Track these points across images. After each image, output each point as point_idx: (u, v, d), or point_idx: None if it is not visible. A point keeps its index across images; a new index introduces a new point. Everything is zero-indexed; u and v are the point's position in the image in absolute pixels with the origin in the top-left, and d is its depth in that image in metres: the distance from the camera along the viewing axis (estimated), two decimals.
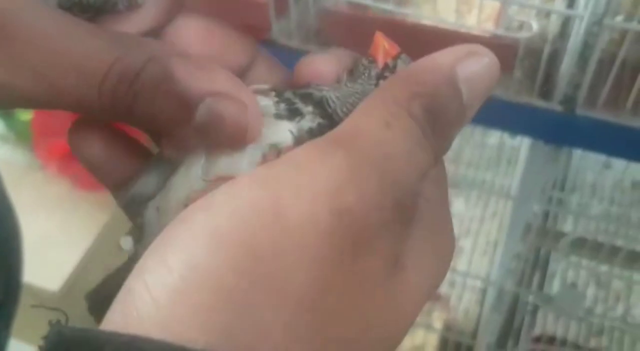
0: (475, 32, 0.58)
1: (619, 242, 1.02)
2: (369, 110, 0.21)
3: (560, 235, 0.84)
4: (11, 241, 0.49)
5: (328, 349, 0.18)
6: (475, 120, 0.70)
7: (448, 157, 1.17)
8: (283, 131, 0.23)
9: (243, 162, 0.22)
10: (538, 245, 0.95)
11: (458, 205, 1.26)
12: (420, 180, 0.21)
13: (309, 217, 0.18)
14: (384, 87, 0.22)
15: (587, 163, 1.19)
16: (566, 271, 1.12)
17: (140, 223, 0.24)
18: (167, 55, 0.22)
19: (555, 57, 0.61)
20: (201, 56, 0.24)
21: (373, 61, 0.24)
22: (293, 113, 0.23)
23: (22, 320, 0.51)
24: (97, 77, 0.21)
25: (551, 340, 1.00)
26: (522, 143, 1.10)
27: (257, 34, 0.65)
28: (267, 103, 0.24)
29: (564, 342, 1.01)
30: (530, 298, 0.99)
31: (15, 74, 0.21)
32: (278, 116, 0.23)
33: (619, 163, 1.19)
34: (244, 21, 0.65)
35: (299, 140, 0.22)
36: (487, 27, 0.60)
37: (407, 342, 1.04)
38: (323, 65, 0.25)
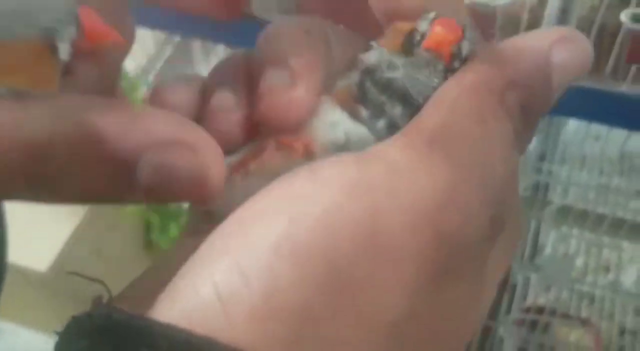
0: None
1: (607, 211, 1.03)
2: (459, 100, 0.18)
3: (546, 203, 0.84)
4: None
5: None
6: None
7: None
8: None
9: None
10: (527, 216, 0.96)
11: None
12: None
13: (410, 236, 0.16)
14: (472, 71, 0.19)
15: (576, 136, 1.19)
16: (557, 242, 1.13)
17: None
18: (80, 107, 0.17)
19: (534, 25, 0.61)
20: (121, 98, 0.20)
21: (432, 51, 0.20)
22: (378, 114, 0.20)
23: (11, 301, 0.51)
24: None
25: (541, 310, 1.01)
26: None
27: (236, 6, 0.64)
28: (361, 129, 0.20)
29: (553, 312, 1.02)
30: (520, 269, 0.99)
31: None
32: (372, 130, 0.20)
33: (608, 135, 1.19)
34: None
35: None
36: None
37: None
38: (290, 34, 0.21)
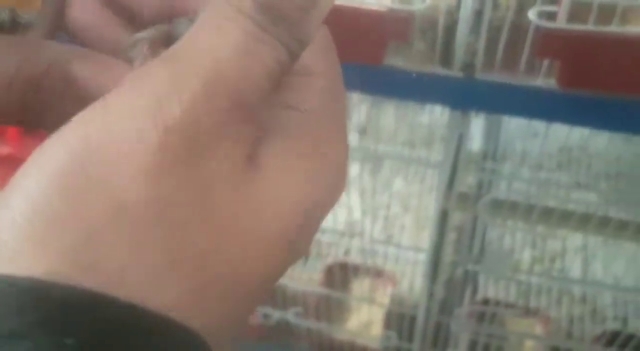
0: (374, 7, 0.61)
1: (551, 203, 1.07)
2: (202, 21, 0.20)
3: (479, 197, 0.88)
4: None
5: (179, 263, 0.18)
6: (385, 92, 0.73)
7: (384, 137, 1.21)
8: None
9: None
10: (470, 213, 0.99)
11: (398, 183, 1.29)
12: (270, 78, 0.19)
13: (134, 135, 0.18)
14: None
15: (516, 133, 1.24)
16: (503, 238, 1.17)
17: None
18: (68, 57, 0.22)
19: (453, 27, 0.64)
20: (104, 53, 0.23)
21: None
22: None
23: None
24: (3, 86, 0.21)
25: (492, 302, 1.04)
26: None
27: None
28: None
29: (504, 304, 1.05)
30: (469, 265, 1.03)
31: None
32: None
33: (546, 131, 1.24)
34: None
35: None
36: (385, 2, 0.63)
37: (354, 319, 1.07)
38: None
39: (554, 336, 1.04)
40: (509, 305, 1.04)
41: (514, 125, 1.25)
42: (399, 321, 1.04)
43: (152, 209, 0.17)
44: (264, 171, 0.19)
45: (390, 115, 1.23)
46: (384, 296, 1.08)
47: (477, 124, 1.24)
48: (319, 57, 0.22)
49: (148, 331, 0.17)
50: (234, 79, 0.19)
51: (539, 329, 1.05)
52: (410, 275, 1.14)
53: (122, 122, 0.18)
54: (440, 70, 0.64)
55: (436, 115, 1.28)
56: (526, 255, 1.16)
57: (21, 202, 0.17)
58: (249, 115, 0.19)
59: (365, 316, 1.05)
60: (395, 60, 0.64)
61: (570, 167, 1.21)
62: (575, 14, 0.56)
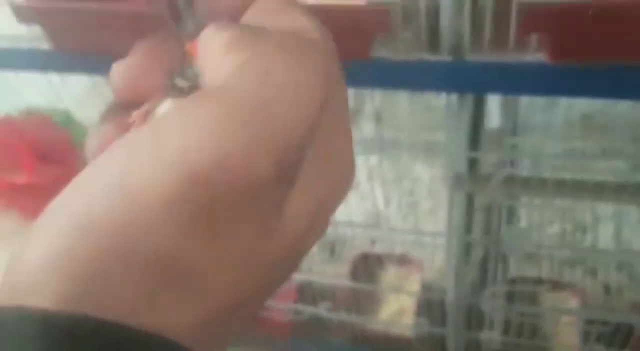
0: (352, 3, 0.61)
1: (577, 175, 1.04)
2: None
3: (488, 177, 0.86)
4: None
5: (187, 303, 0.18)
6: (376, 84, 0.72)
7: (399, 124, 1.20)
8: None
9: None
10: (489, 194, 0.98)
11: (419, 169, 1.28)
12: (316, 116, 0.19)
13: (153, 186, 0.17)
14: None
15: (534, 105, 1.21)
16: (531, 214, 1.15)
17: None
18: None
19: (436, 12, 0.64)
20: None
21: None
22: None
23: None
24: None
25: (525, 280, 1.03)
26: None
27: None
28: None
29: (537, 280, 1.04)
30: (496, 245, 1.01)
31: None
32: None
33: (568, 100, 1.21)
34: (143, 32, 0.67)
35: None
36: None
37: (385, 309, 1.07)
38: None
39: (590, 308, 1.02)
40: (539, 281, 1.03)
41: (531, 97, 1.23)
42: (430, 307, 1.04)
43: (165, 261, 0.17)
44: (285, 225, 0.19)
45: (405, 101, 1.22)
46: (413, 283, 1.08)
47: (494, 100, 1.22)
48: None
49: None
50: (283, 128, 0.18)
51: (573, 302, 1.04)
52: (438, 261, 1.13)
53: (142, 171, 0.17)
54: (429, 56, 0.64)
55: (453, 97, 1.27)
56: (556, 228, 1.14)
57: (41, 241, 0.18)
58: (289, 174, 0.18)
59: (396, 305, 1.05)
60: (383, 51, 0.64)
61: (594, 135, 1.18)
62: None
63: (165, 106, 0.23)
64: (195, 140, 0.17)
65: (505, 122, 1.22)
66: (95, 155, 0.22)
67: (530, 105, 1.23)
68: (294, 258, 0.20)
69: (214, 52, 0.20)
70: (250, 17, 0.23)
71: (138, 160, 0.17)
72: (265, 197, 0.18)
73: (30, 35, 0.74)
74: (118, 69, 0.23)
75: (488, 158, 1.12)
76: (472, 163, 1.02)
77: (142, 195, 0.17)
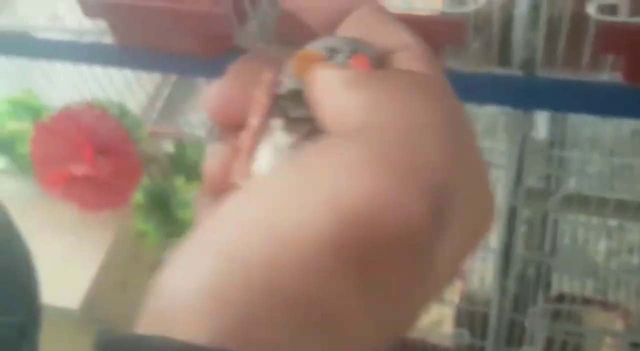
0: (425, 12, 0.60)
1: (625, 195, 1.02)
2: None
3: (550, 193, 0.85)
4: (25, 268, 0.53)
5: None
6: None
7: None
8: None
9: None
10: (540, 210, 0.96)
11: None
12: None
13: (304, 227, 0.17)
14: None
15: (584, 118, 1.19)
16: (576, 230, 1.13)
17: None
18: None
19: (509, 24, 0.63)
20: None
21: None
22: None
23: (48, 342, 0.54)
24: None
25: (569, 298, 1.01)
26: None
27: (221, 42, 0.67)
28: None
29: (582, 299, 1.02)
30: (541, 260, 1.00)
31: None
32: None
33: None
34: (208, 32, 0.67)
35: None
36: (435, 6, 0.61)
37: (424, 318, 1.06)
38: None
39: (636, 331, 1.00)
40: (585, 300, 1.01)
41: None
42: (470, 318, 1.02)
43: (318, 309, 0.17)
44: (436, 272, 0.19)
45: None
46: (453, 293, 1.06)
47: (542, 111, 1.19)
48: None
49: None
50: (436, 167, 0.18)
51: (618, 324, 1.02)
52: (479, 272, 1.12)
53: (292, 209, 0.17)
54: (499, 70, 0.63)
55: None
56: (602, 247, 1.12)
57: (190, 274, 0.18)
58: (444, 218, 0.18)
59: (435, 314, 1.04)
60: (452, 62, 0.63)
61: None
62: (638, 7, 0.53)
63: (281, 136, 0.22)
64: (346, 182, 0.17)
65: (552, 134, 1.20)
66: (216, 177, 0.23)
67: (578, 117, 1.21)
68: (436, 299, 0.20)
69: (334, 90, 0.20)
70: (349, 29, 0.23)
71: (286, 201, 0.17)
72: (420, 243, 0.17)
73: (95, 29, 0.75)
74: (213, 90, 0.23)
75: (533, 171, 1.11)
76: (518, 179, 1.01)
77: (292, 235, 0.17)
